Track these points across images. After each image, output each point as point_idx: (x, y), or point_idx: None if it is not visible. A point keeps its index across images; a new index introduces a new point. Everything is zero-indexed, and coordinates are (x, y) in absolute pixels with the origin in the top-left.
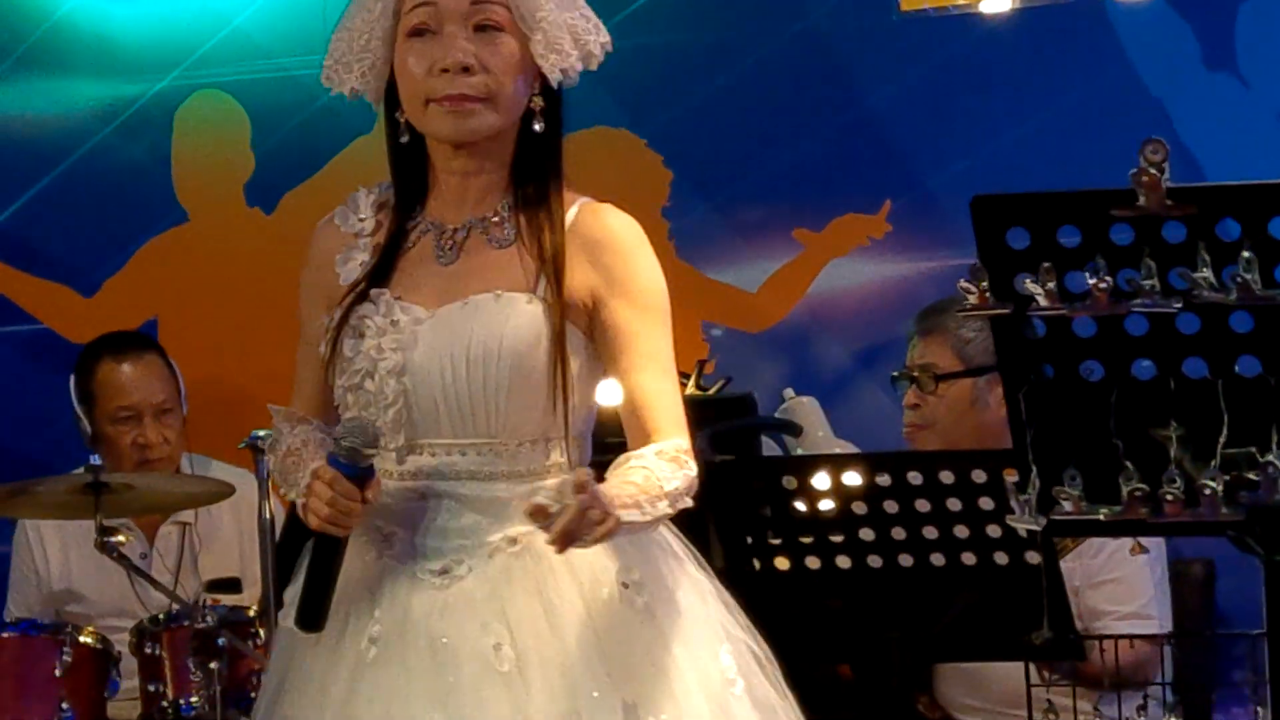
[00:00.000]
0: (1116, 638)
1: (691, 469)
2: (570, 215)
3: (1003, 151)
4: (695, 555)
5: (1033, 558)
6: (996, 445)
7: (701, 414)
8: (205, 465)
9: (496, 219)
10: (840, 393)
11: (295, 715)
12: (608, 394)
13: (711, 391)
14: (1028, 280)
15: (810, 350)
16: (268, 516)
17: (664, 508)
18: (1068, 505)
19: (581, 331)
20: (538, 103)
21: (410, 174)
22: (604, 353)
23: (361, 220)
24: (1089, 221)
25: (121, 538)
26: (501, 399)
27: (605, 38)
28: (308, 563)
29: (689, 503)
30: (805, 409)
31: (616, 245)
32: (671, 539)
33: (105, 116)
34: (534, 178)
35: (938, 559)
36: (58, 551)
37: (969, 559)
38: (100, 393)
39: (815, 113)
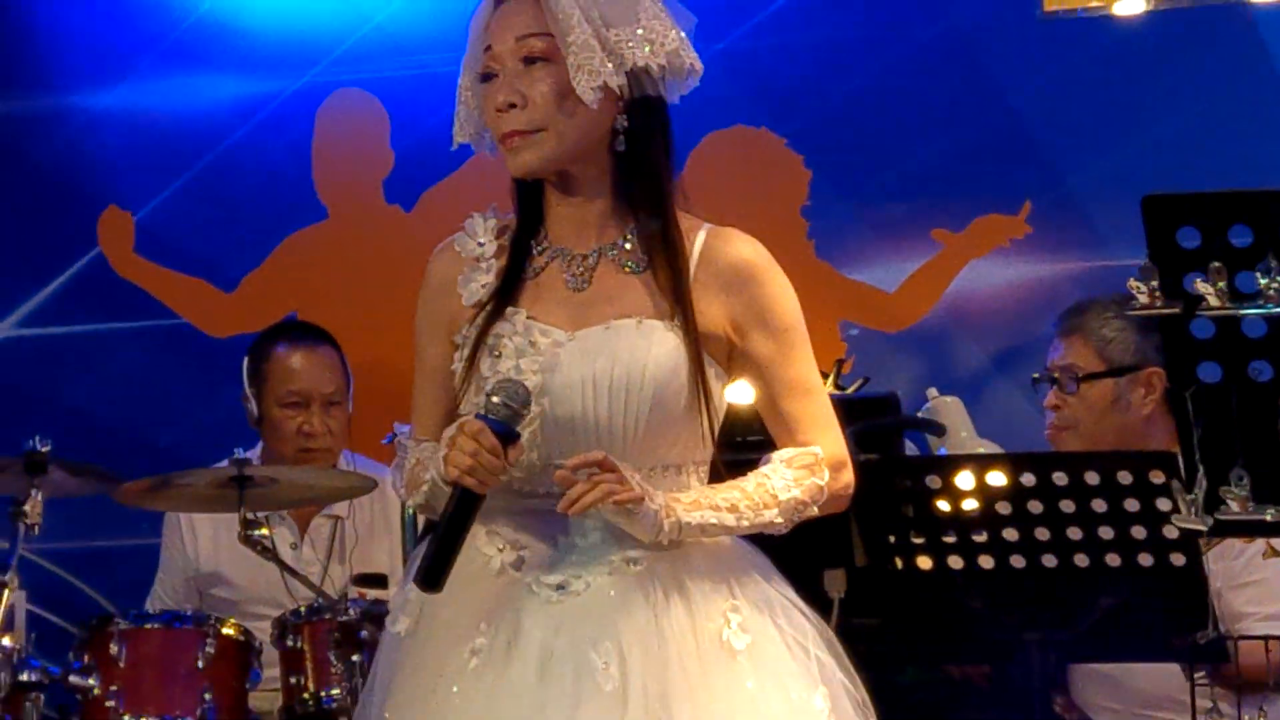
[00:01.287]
0: (1258, 639)
1: (824, 477)
2: (698, 243)
3: (1144, 153)
4: (799, 603)
5: (1177, 559)
6: (1139, 445)
7: (847, 413)
8: (362, 462)
9: (627, 245)
10: (977, 393)
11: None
12: (738, 393)
13: (850, 391)
14: (1198, 280)
15: (948, 351)
16: (409, 513)
17: (771, 516)
18: (1234, 505)
19: (716, 361)
20: (620, 123)
21: (530, 201)
22: (749, 379)
23: (480, 245)
24: (1261, 221)
25: (266, 531)
26: (640, 424)
27: (672, 44)
28: (441, 518)
29: (815, 511)
30: (949, 409)
31: (751, 274)
32: (780, 585)
33: (246, 113)
34: (645, 202)
35: (1081, 560)
36: (208, 535)
37: (1113, 560)
38: (272, 376)
39: (956, 112)
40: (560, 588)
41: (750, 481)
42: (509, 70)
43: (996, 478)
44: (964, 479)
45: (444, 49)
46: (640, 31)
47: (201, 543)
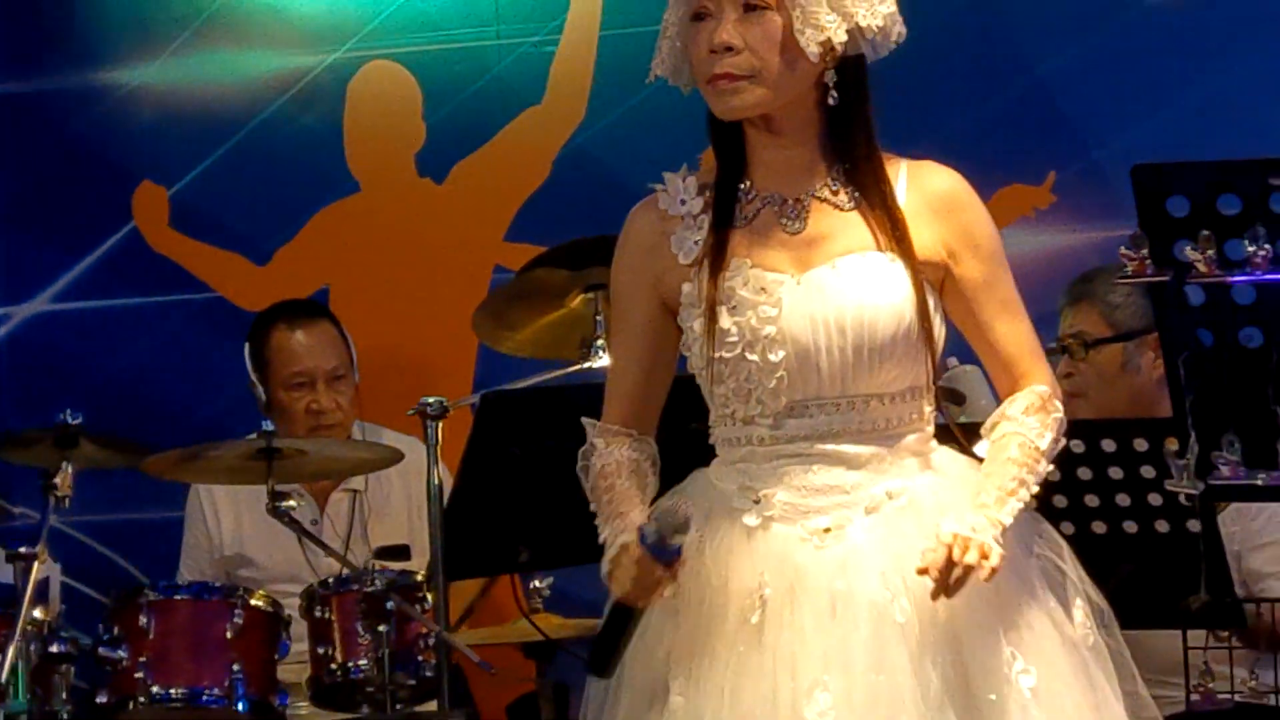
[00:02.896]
0: (1276, 601)
1: (1058, 411)
2: (901, 177)
3: (1169, 123)
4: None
5: (1194, 526)
6: (1151, 409)
7: None
8: (376, 433)
9: (834, 186)
10: None
11: (688, 690)
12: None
13: None
14: (1187, 247)
15: None
16: (436, 483)
17: (1044, 469)
18: (1226, 470)
19: (934, 287)
20: (830, 77)
21: (731, 150)
22: (958, 306)
23: (684, 203)
24: (1249, 190)
25: (293, 503)
26: (880, 357)
27: (890, 8)
28: (606, 615)
29: (1063, 443)
30: (969, 378)
31: (957, 200)
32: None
33: (279, 87)
34: (850, 144)
35: (1099, 527)
36: (230, 517)
37: (1130, 527)
38: (274, 359)
39: (981, 84)
40: (828, 531)
41: (1011, 446)
42: (728, 13)
43: None
44: (982, 447)
45: (474, 23)
46: None
47: (225, 524)
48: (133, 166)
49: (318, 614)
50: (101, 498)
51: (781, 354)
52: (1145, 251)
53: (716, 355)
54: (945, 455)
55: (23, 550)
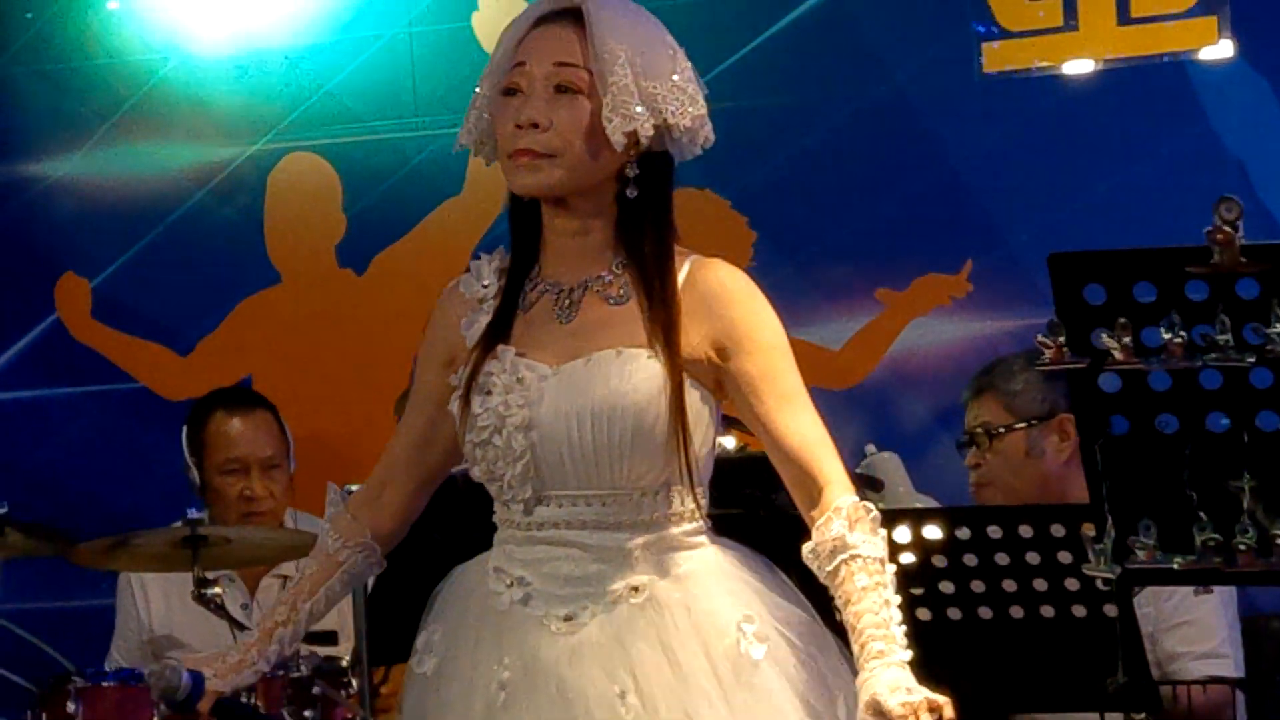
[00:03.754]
0: (1191, 683)
1: (872, 509)
2: (683, 272)
3: (1084, 211)
4: (809, 611)
5: (1111, 610)
6: (1059, 493)
7: None
8: (309, 520)
9: (610, 277)
10: (921, 449)
11: None
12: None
13: None
14: (1104, 335)
15: (892, 408)
16: None
17: (891, 571)
18: (1142, 554)
19: (704, 385)
20: (631, 170)
21: (526, 234)
22: (739, 402)
23: (485, 286)
24: (1164, 278)
25: (219, 589)
26: (625, 452)
27: (699, 109)
28: None
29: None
30: (887, 464)
31: (733, 297)
32: (789, 588)
33: (200, 179)
34: (641, 237)
35: (1016, 611)
36: (160, 600)
37: (1048, 611)
38: (210, 444)
39: (897, 174)
40: (569, 619)
41: (860, 575)
42: (538, 92)
43: (932, 531)
44: (901, 533)
45: (393, 114)
46: (674, 89)
47: (154, 606)
48: (55, 258)
49: (244, 699)
50: (27, 585)
51: (526, 442)
52: (1062, 339)
53: (469, 439)
54: (710, 552)
55: None
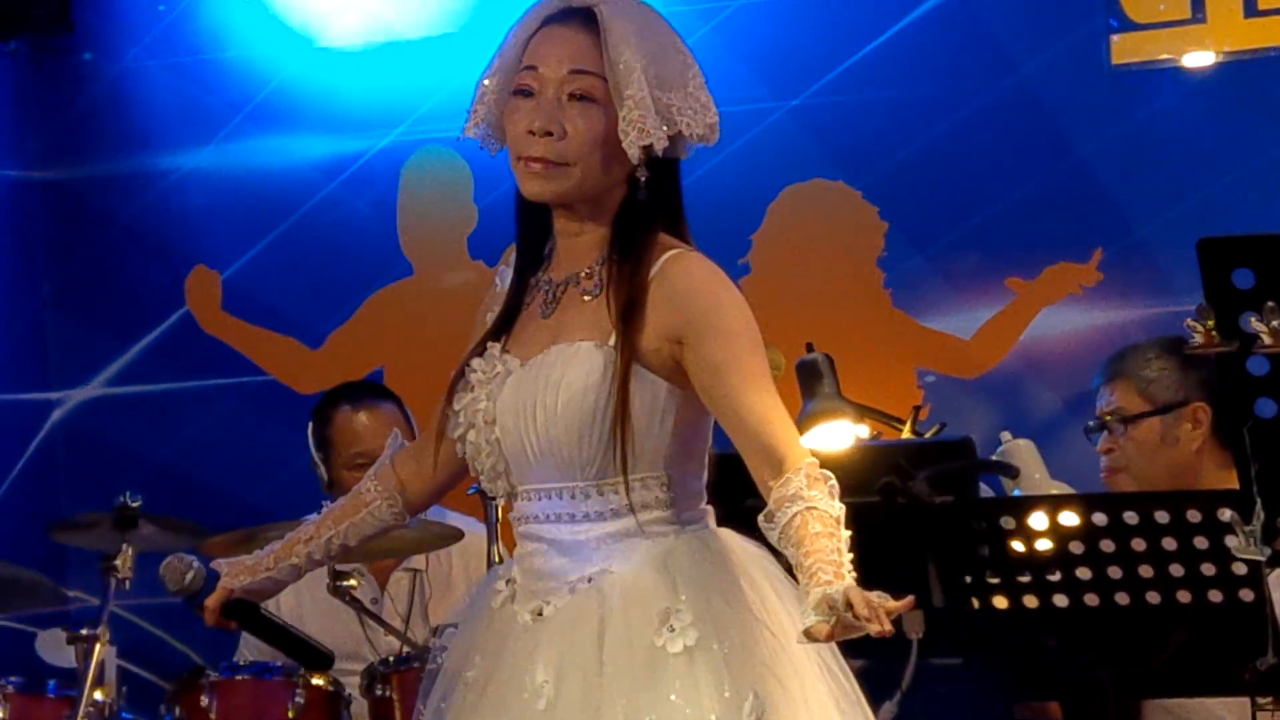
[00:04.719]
0: None
1: (831, 478)
2: (656, 266)
3: (1211, 201)
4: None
5: (1247, 595)
6: (1191, 481)
7: (923, 457)
8: (439, 513)
9: (587, 272)
10: (1052, 437)
11: None
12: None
13: (926, 436)
14: (1252, 319)
15: (1022, 396)
16: (496, 561)
17: (845, 535)
18: None
19: (658, 374)
20: (642, 174)
21: (534, 232)
22: (703, 388)
23: (506, 281)
24: None
25: (354, 582)
26: (573, 441)
27: (711, 118)
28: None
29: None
30: (1022, 451)
31: (696, 287)
32: (768, 571)
33: (331, 171)
34: (629, 236)
35: (1153, 597)
36: (290, 596)
37: (1184, 597)
38: (337, 439)
39: (1027, 163)
40: (537, 614)
41: (813, 522)
42: (550, 97)
43: (1069, 518)
44: (1037, 519)
45: None
46: (689, 99)
47: (284, 601)
48: (185, 251)
49: (378, 692)
50: (156, 580)
51: (489, 437)
52: (1211, 323)
53: (454, 435)
54: (670, 541)
55: (84, 632)
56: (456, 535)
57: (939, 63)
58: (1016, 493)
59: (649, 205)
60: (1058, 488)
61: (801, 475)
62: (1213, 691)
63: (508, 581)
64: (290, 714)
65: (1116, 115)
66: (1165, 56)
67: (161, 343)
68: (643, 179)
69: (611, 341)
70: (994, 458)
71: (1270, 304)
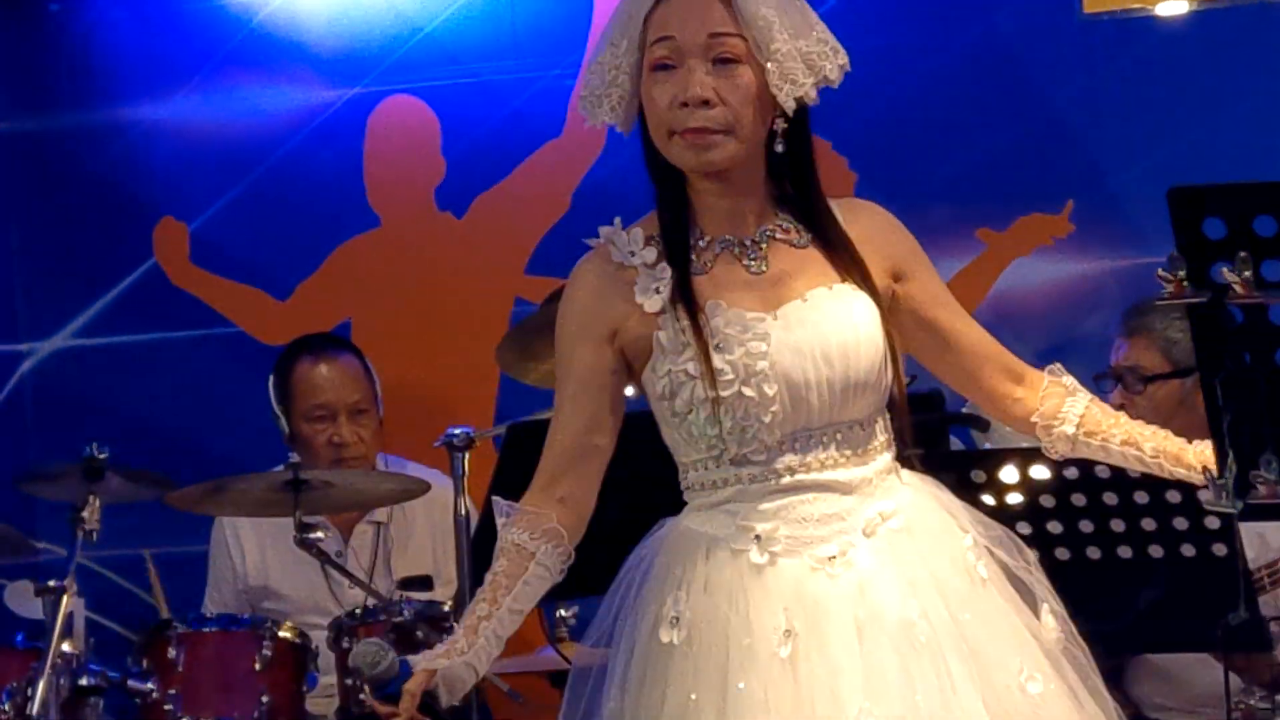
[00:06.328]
0: None
1: None
2: (837, 213)
3: (1184, 151)
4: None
5: (1219, 549)
6: None
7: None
8: (400, 465)
9: (785, 226)
10: None
11: None
12: None
13: None
14: (1224, 269)
15: None
16: (462, 514)
17: None
18: (1263, 489)
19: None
20: (780, 125)
21: (675, 200)
22: (916, 322)
23: (634, 254)
24: None
25: (320, 534)
26: (858, 384)
27: (843, 59)
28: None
29: None
30: None
31: (892, 224)
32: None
33: (299, 123)
34: (803, 187)
35: (1125, 551)
36: (255, 549)
37: (1156, 551)
38: (297, 392)
39: (998, 114)
40: (833, 559)
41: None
42: (695, 65)
43: (1040, 471)
44: (1008, 472)
45: (493, 57)
46: (821, 43)
47: (249, 556)
48: (153, 202)
49: (346, 644)
50: (123, 532)
51: (775, 388)
52: (1182, 273)
53: (714, 394)
54: (910, 474)
55: (51, 584)
56: (424, 488)
57: (909, 12)
58: (987, 446)
59: (803, 154)
60: (1028, 441)
61: (1066, 385)
62: (1185, 647)
63: (758, 538)
64: (257, 666)
65: (1088, 65)
66: (1138, 5)
67: (130, 294)
68: (780, 130)
69: (857, 285)
70: (965, 410)
71: (1242, 254)
